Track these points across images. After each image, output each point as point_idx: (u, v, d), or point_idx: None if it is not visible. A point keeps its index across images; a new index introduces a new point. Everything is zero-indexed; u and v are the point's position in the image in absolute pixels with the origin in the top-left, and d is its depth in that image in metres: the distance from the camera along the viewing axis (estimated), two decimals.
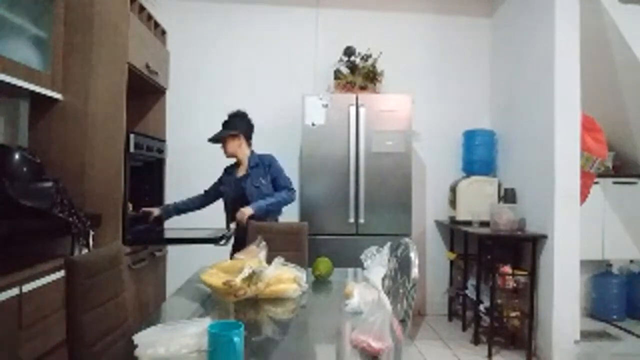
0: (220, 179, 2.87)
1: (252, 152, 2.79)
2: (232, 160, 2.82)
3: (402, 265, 1.64)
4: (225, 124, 2.77)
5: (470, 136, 3.79)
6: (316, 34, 3.84)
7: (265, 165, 2.72)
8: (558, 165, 2.97)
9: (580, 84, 2.99)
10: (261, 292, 1.66)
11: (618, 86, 3.48)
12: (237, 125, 2.74)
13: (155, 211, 2.77)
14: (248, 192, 2.66)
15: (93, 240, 2.06)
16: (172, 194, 3.12)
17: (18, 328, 1.57)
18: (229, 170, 2.85)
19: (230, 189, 2.76)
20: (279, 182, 2.71)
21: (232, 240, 2.71)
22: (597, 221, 3.68)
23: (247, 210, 2.55)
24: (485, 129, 3.84)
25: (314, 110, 3.23)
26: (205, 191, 2.90)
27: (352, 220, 3.23)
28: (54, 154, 2.27)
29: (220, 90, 3.73)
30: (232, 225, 2.70)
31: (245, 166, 2.75)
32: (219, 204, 2.84)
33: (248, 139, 2.78)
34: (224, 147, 2.74)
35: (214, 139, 2.73)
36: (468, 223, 3.45)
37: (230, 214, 2.72)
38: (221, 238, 2.65)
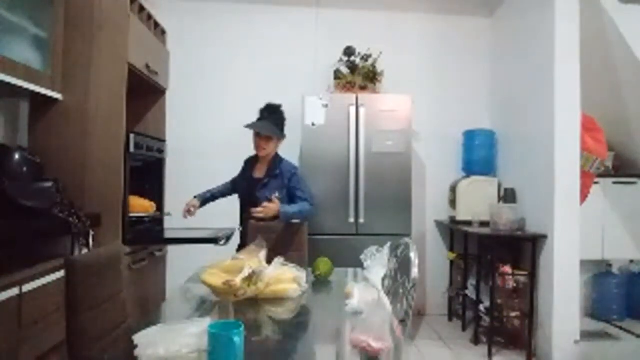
0: (240, 173, 2.80)
1: (277, 155, 2.64)
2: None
3: (402, 265, 1.64)
4: (269, 116, 2.57)
5: (470, 136, 3.79)
6: (316, 34, 3.84)
7: (285, 177, 2.57)
8: (558, 165, 2.96)
9: (580, 84, 2.98)
10: (261, 292, 1.66)
11: (618, 86, 3.48)
12: (282, 125, 2.60)
13: (197, 203, 2.68)
14: (260, 201, 2.48)
15: (93, 240, 2.06)
16: (172, 194, 3.12)
17: (18, 328, 1.57)
18: (248, 165, 2.75)
19: (244, 187, 2.66)
20: (297, 194, 2.56)
21: (237, 240, 2.68)
22: (597, 221, 3.68)
23: (273, 208, 2.39)
24: (485, 129, 3.84)
25: (314, 110, 3.22)
26: (232, 180, 2.84)
27: (352, 220, 3.23)
28: (54, 154, 2.27)
29: (220, 90, 3.73)
30: (238, 227, 2.68)
31: (264, 168, 2.63)
32: (217, 203, 2.84)
33: (281, 140, 2.66)
34: (265, 143, 2.55)
35: (263, 131, 2.53)
36: (468, 223, 3.45)
37: (243, 214, 2.66)
38: (221, 238, 2.65)
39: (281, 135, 2.61)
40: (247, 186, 2.65)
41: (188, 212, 2.67)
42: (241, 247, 2.61)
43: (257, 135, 2.57)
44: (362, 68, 3.55)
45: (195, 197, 2.74)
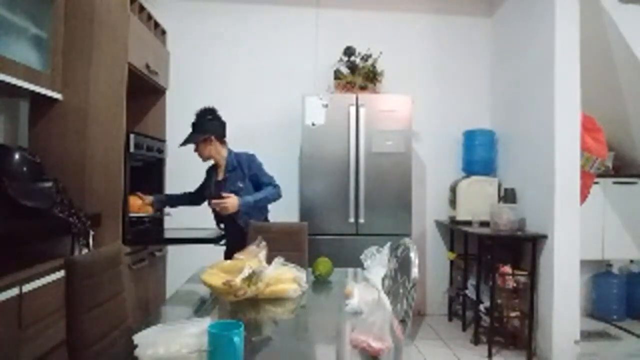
0: (204, 181, 2.79)
1: (229, 152, 2.65)
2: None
3: (402, 265, 1.64)
4: (195, 126, 2.59)
5: (470, 136, 3.79)
6: (316, 34, 3.84)
7: (243, 166, 2.59)
8: (558, 165, 2.97)
9: (580, 84, 2.99)
10: (261, 292, 1.66)
11: (618, 86, 3.47)
12: (207, 126, 2.57)
13: (147, 199, 2.68)
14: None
15: (93, 240, 2.06)
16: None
17: (18, 328, 1.57)
18: (210, 172, 2.75)
19: (210, 193, 2.66)
20: (262, 180, 2.58)
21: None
22: (597, 221, 3.68)
23: (233, 203, 2.43)
24: (485, 129, 3.84)
25: (314, 110, 3.22)
26: (196, 190, 2.83)
27: (352, 220, 3.23)
28: (54, 154, 2.27)
29: (220, 90, 3.72)
30: (222, 225, 2.69)
31: (223, 169, 2.64)
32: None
33: (221, 138, 2.63)
34: (198, 151, 2.60)
35: (186, 143, 2.57)
36: (468, 223, 3.45)
37: (215, 216, 2.69)
38: (221, 238, 2.66)
39: (200, 137, 2.56)
40: (213, 191, 2.63)
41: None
42: (228, 250, 2.62)
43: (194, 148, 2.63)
44: (362, 68, 3.55)
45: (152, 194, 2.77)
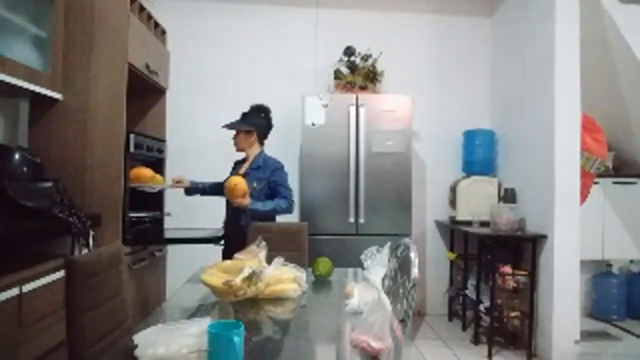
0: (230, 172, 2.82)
1: (261, 152, 2.72)
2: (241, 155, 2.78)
3: (402, 265, 1.64)
4: (244, 116, 2.71)
5: (470, 136, 3.79)
6: (316, 34, 3.83)
7: (267, 170, 2.62)
8: (558, 165, 2.97)
9: (580, 84, 2.99)
10: (261, 292, 1.66)
11: (618, 86, 3.47)
12: (256, 121, 2.68)
13: (186, 182, 2.76)
14: None
15: (93, 240, 2.06)
16: (172, 194, 3.12)
17: (18, 328, 1.57)
18: (236, 166, 2.80)
19: None
20: (279, 191, 2.60)
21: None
22: (597, 221, 3.68)
23: (244, 202, 2.46)
24: (485, 129, 3.84)
25: (314, 110, 3.22)
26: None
27: (352, 220, 3.23)
28: (54, 154, 2.27)
29: (220, 90, 3.73)
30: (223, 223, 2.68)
31: (248, 165, 2.69)
32: (217, 203, 2.83)
33: (262, 137, 2.73)
34: (236, 139, 2.69)
35: (229, 127, 2.67)
36: (468, 223, 3.45)
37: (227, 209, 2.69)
38: (221, 238, 2.65)
39: (244, 127, 2.65)
40: None
41: (177, 182, 2.75)
42: (227, 250, 2.61)
43: (233, 135, 2.71)
44: (362, 68, 3.55)
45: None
